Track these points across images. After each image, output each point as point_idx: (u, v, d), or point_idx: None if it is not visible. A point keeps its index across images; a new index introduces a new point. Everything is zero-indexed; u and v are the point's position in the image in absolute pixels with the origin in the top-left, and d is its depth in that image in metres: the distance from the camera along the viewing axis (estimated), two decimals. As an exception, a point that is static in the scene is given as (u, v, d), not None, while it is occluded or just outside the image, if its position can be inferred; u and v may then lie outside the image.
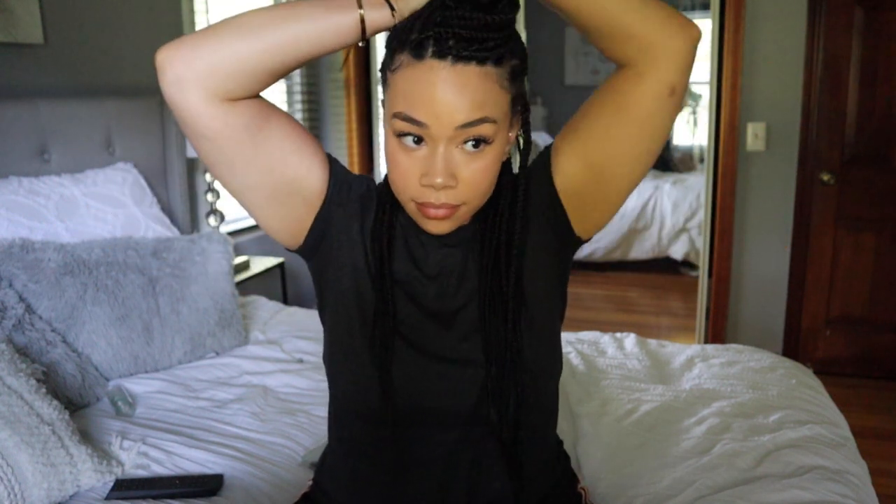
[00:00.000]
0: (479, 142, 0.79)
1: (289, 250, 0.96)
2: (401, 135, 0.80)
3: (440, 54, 0.75)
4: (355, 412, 0.95)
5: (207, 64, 0.76)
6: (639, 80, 0.81)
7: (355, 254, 0.93)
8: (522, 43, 0.83)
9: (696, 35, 0.80)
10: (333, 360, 0.95)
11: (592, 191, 0.89)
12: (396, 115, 0.79)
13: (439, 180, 0.79)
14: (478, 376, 0.89)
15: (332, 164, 0.92)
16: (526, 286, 0.91)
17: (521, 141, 0.90)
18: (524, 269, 0.91)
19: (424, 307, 0.92)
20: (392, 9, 0.78)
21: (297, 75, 3.42)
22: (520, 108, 0.86)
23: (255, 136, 0.83)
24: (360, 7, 0.78)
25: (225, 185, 0.88)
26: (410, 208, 0.85)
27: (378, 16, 0.79)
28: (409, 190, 0.82)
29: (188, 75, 0.77)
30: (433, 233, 0.86)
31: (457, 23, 0.75)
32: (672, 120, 0.85)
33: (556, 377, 0.99)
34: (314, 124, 3.59)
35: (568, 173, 0.89)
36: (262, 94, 0.84)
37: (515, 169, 0.91)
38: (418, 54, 0.77)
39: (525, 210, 0.90)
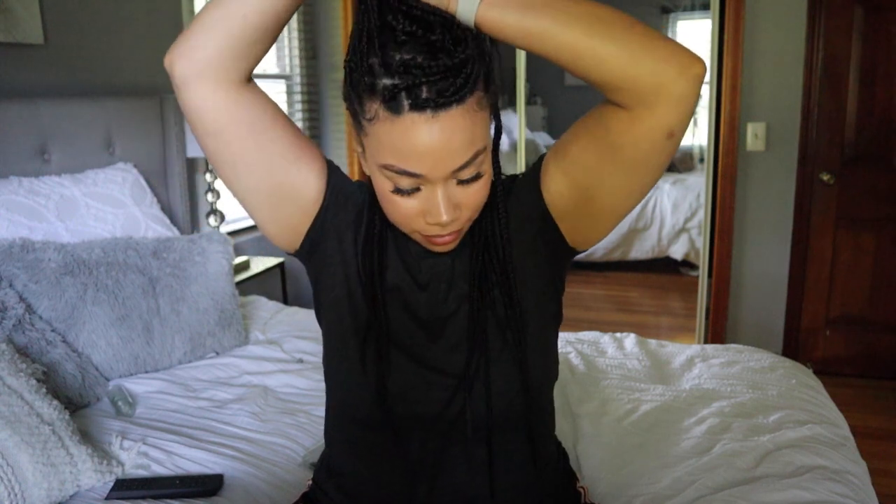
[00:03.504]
0: (474, 175, 0.79)
1: (287, 253, 0.97)
2: (397, 187, 0.78)
3: (418, 107, 0.71)
4: (351, 416, 0.96)
5: (206, 50, 0.77)
6: (632, 124, 0.75)
7: (349, 263, 0.93)
8: (482, 43, 0.77)
9: (699, 73, 0.72)
10: (329, 364, 0.96)
11: (582, 213, 0.86)
12: (387, 168, 0.76)
13: (445, 219, 0.78)
14: (469, 385, 0.89)
15: (331, 173, 0.92)
16: (516, 293, 0.89)
17: (493, 130, 0.86)
18: (514, 276, 0.90)
19: (416, 316, 0.92)
20: None
21: (297, 76, 3.42)
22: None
23: (259, 136, 0.83)
24: None
25: (229, 186, 0.89)
26: (416, 237, 0.85)
27: None
28: (412, 226, 0.82)
29: (192, 67, 0.78)
30: (440, 251, 0.86)
31: (420, 72, 0.70)
32: (669, 158, 0.79)
33: (551, 383, 0.99)
34: (314, 124, 3.59)
35: (556, 193, 0.87)
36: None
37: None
38: (394, 108, 0.72)
39: (506, 206, 0.88)
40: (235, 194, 0.90)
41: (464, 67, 0.72)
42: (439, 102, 0.71)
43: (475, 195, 0.80)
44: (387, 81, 0.71)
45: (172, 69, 0.79)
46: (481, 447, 0.92)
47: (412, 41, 0.71)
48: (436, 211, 0.78)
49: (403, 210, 0.80)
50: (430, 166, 0.75)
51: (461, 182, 0.78)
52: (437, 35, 0.71)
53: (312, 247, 0.94)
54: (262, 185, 0.87)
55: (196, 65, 0.78)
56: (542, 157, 0.90)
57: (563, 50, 0.72)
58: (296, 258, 0.97)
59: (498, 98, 0.84)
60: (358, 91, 0.75)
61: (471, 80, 0.73)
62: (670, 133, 0.75)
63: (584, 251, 0.93)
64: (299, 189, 0.89)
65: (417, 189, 0.78)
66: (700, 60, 0.72)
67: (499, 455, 0.92)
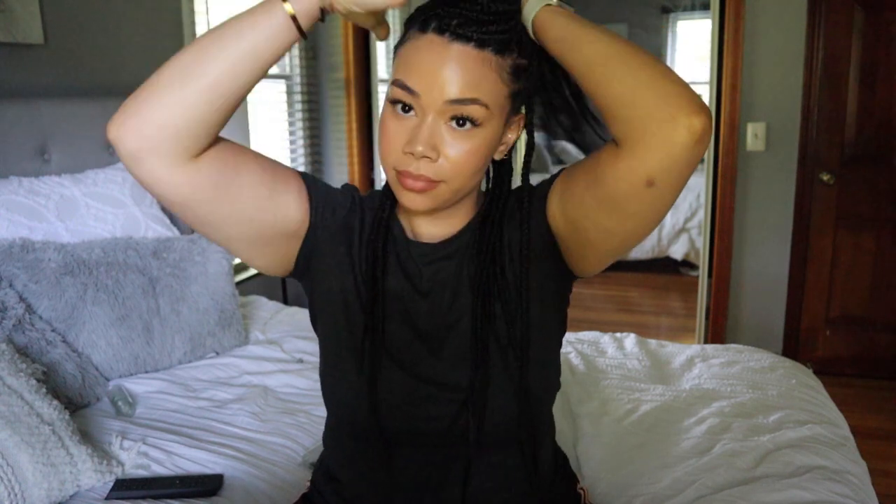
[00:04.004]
0: (466, 121, 0.79)
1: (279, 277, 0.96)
2: (394, 101, 0.81)
3: (440, 30, 0.78)
4: (346, 428, 0.95)
5: (157, 128, 0.72)
6: (617, 159, 0.73)
7: (343, 275, 0.91)
8: (536, 47, 0.81)
9: (694, 124, 0.67)
10: (325, 375, 0.95)
11: (570, 241, 0.85)
12: (394, 83, 0.81)
13: (420, 148, 0.78)
14: (472, 403, 0.88)
15: (311, 190, 0.90)
16: (522, 310, 0.88)
17: (524, 145, 0.88)
18: (525, 292, 0.88)
19: (416, 326, 0.90)
20: None
21: (297, 76, 3.42)
22: (521, 107, 0.85)
23: (226, 191, 0.80)
24: (285, 0, 0.73)
25: (209, 239, 0.88)
26: (391, 177, 0.84)
27: (308, 4, 0.73)
28: (391, 156, 0.82)
29: (142, 145, 0.73)
30: (409, 207, 0.84)
31: (463, 5, 0.77)
32: (657, 210, 0.75)
33: (553, 396, 0.98)
34: (314, 124, 3.59)
35: (551, 216, 0.86)
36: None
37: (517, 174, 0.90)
38: (423, 28, 0.79)
39: (528, 222, 0.87)
40: (219, 244, 0.88)
41: (498, 19, 0.78)
42: (458, 32, 0.77)
43: (460, 152, 0.80)
44: (432, 11, 0.79)
45: (117, 145, 0.73)
46: (481, 461, 0.91)
47: None
48: (415, 138, 0.79)
49: (390, 134, 0.81)
50: (428, 86, 0.78)
51: (453, 119, 0.79)
52: None
53: (305, 265, 0.92)
54: (245, 231, 0.85)
55: (147, 142, 0.73)
56: (558, 173, 0.88)
57: (582, 60, 0.75)
58: (291, 277, 0.96)
59: (532, 114, 0.86)
60: (409, 24, 0.82)
61: (497, 35, 0.78)
62: (650, 180, 0.71)
63: (582, 277, 0.91)
64: (281, 220, 0.87)
65: (411, 111, 0.80)
66: (703, 114, 0.67)
67: (499, 468, 0.92)
